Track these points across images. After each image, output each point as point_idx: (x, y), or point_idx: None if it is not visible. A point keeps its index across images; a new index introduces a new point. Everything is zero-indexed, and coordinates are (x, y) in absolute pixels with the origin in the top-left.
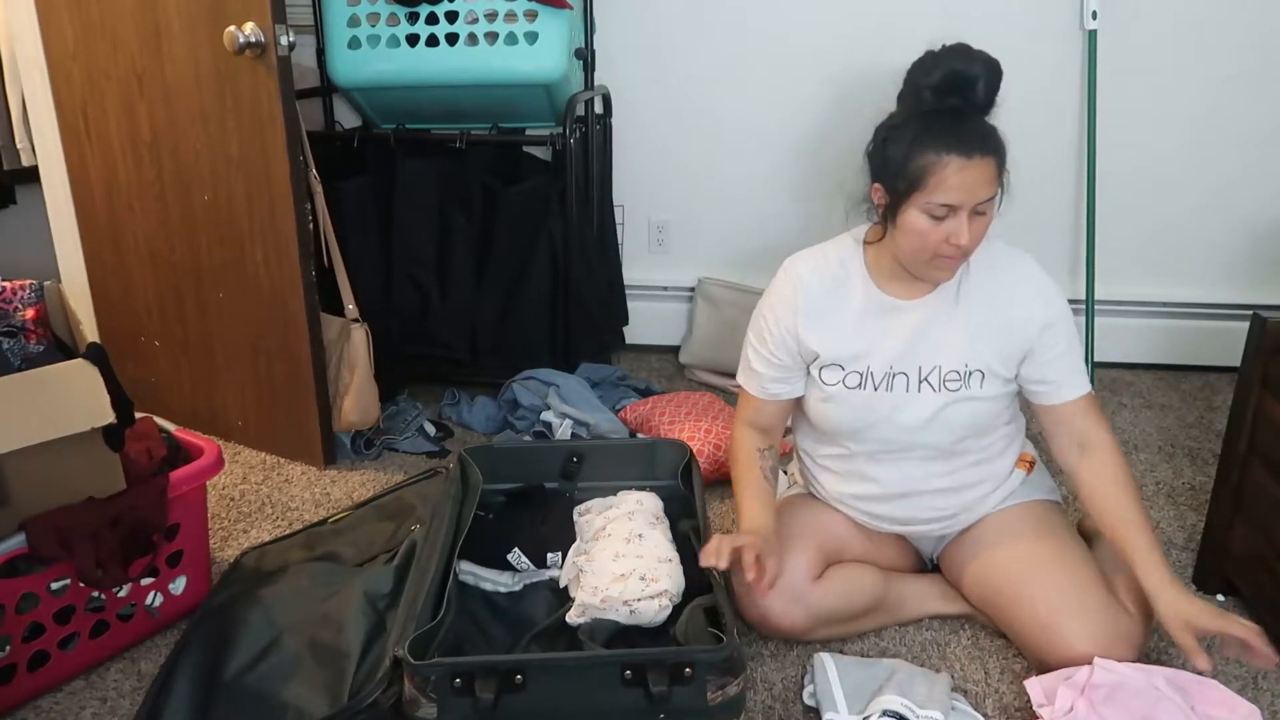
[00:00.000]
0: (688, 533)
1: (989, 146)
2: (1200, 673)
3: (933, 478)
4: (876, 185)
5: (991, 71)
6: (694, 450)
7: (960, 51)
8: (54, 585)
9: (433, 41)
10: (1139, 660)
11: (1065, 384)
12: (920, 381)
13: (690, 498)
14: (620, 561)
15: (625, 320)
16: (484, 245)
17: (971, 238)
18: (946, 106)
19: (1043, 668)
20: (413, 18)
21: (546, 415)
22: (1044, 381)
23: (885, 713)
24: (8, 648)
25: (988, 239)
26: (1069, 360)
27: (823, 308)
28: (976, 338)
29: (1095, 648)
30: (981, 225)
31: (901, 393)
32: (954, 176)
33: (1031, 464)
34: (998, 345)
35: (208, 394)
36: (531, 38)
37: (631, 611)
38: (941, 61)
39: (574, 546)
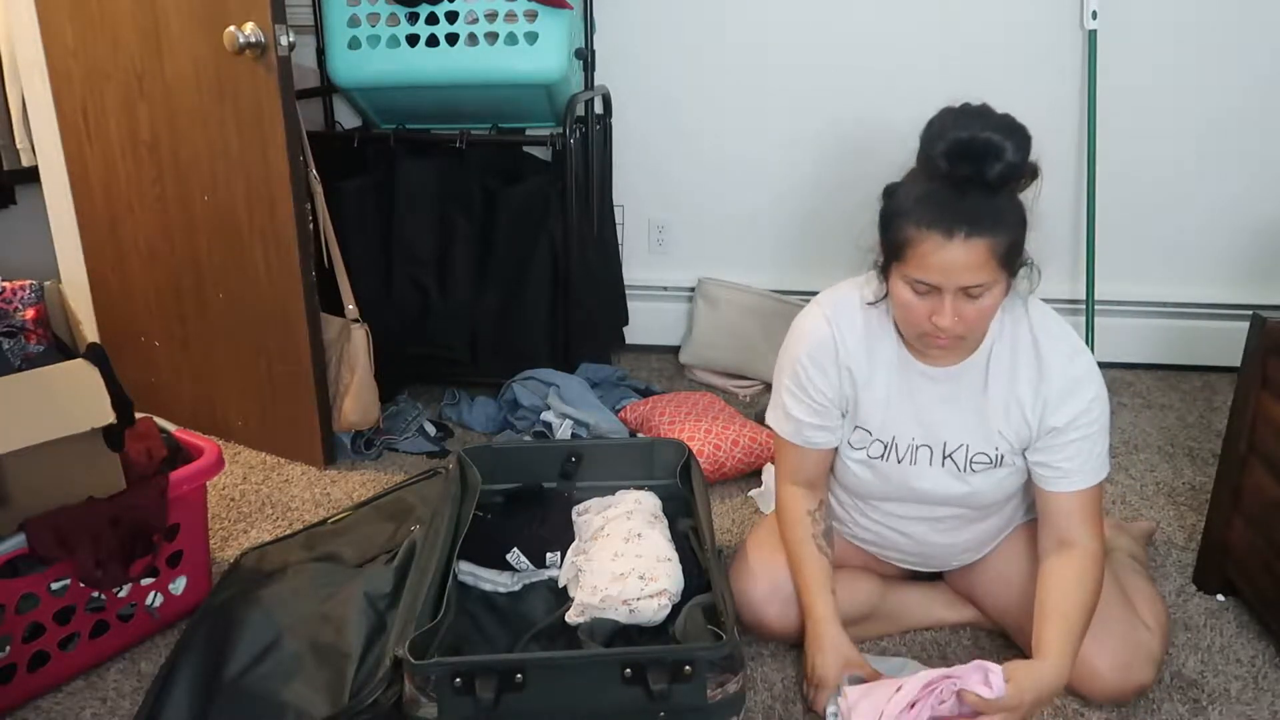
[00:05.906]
0: (686, 532)
1: (982, 227)
2: None
3: (956, 532)
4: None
5: (1013, 139)
6: (694, 450)
7: (975, 114)
8: (54, 585)
9: (433, 42)
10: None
11: (1067, 476)
12: (944, 457)
13: (689, 497)
14: (619, 561)
15: (625, 320)
16: (484, 245)
17: (960, 321)
18: (957, 175)
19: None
20: (413, 18)
21: (546, 415)
22: (1046, 465)
23: None
24: (8, 648)
25: (1025, 310)
26: (1081, 449)
27: (859, 356)
28: (1005, 420)
29: (1117, 666)
30: (974, 310)
31: (925, 465)
32: (931, 255)
33: None
34: (1024, 431)
35: (208, 394)
36: (531, 38)
37: (631, 610)
38: (951, 125)
39: (573, 546)
